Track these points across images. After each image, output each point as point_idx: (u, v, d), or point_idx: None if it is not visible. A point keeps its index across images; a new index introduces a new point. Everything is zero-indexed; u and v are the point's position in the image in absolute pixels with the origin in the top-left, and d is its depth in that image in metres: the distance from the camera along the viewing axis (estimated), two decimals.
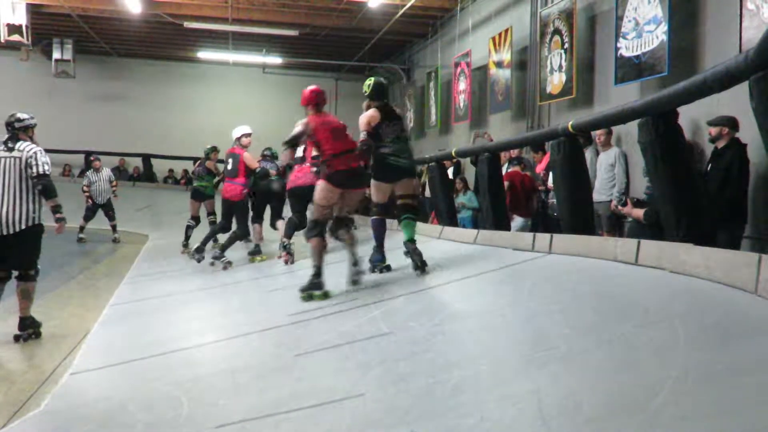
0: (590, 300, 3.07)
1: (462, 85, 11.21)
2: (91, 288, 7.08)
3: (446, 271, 4.61)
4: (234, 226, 7.45)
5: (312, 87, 5.07)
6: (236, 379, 3.21)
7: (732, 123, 4.71)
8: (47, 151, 5.06)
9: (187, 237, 9.06)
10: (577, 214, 4.72)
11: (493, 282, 3.98)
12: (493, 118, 10.25)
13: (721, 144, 4.75)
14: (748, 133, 4.26)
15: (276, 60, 15.87)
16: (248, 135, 7.49)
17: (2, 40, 12.49)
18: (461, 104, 11.30)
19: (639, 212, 4.63)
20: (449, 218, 7.00)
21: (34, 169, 4.83)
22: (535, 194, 7.35)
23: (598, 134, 6.39)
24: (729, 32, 5.34)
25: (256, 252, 7.54)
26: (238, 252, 7.63)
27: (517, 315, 3.23)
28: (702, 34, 5.96)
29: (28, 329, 4.83)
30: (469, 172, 9.02)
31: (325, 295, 4.52)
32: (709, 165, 4.81)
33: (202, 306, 5.53)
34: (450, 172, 8.72)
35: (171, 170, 17.50)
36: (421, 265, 4.64)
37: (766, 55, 2.73)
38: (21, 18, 12.39)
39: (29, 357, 4.53)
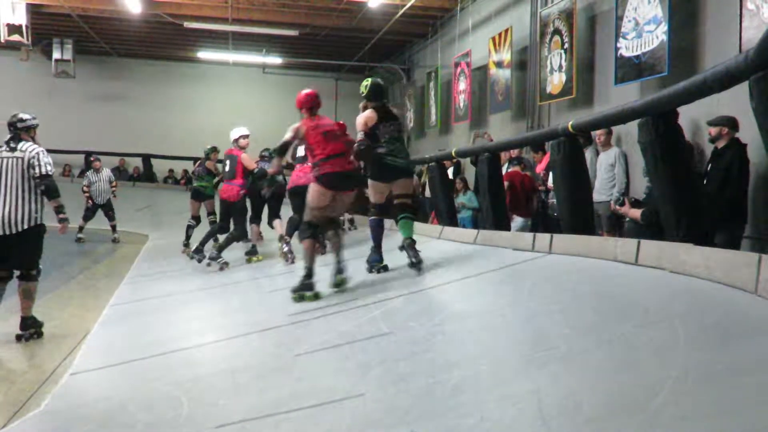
0: (590, 300, 3.07)
1: (462, 85, 11.21)
2: (91, 288, 7.08)
3: (446, 271, 4.61)
4: (232, 227, 7.45)
5: (307, 90, 5.12)
6: (236, 379, 3.21)
7: (732, 123, 4.71)
8: (47, 151, 5.07)
9: (188, 237, 9.06)
10: (577, 214, 4.72)
11: (493, 282, 3.98)
12: (493, 118, 10.25)
13: (721, 144, 4.74)
14: (748, 133, 4.26)
15: (276, 60, 15.88)
16: (246, 136, 7.52)
17: (2, 40, 12.49)
18: (461, 104, 11.30)
19: (636, 212, 4.63)
20: (449, 218, 7.00)
21: (37, 170, 4.84)
22: (535, 194, 7.35)
23: (598, 134, 6.39)
24: (729, 32, 5.34)
25: (252, 252, 7.55)
26: (236, 252, 7.63)
27: (517, 315, 3.23)
28: (702, 34, 5.96)
29: (30, 329, 4.84)
30: (469, 172, 9.02)
31: (316, 296, 4.56)
32: (709, 165, 4.81)
33: (202, 306, 5.53)
34: (450, 172, 8.71)
35: (171, 170, 17.51)
36: (416, 263, 4.67)
37: (766, 55, 2.73)
38: (21, 18, 12.40)
39: (29, 357, 4.54)
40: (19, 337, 4.78)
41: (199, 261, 7.43)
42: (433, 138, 13.27)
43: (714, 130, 4.80)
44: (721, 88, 3.22)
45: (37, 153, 4.88)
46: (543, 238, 4.25)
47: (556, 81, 7.98)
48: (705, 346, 2.17)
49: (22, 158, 4.85)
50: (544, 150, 7.11)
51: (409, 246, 4.74)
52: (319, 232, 4.83)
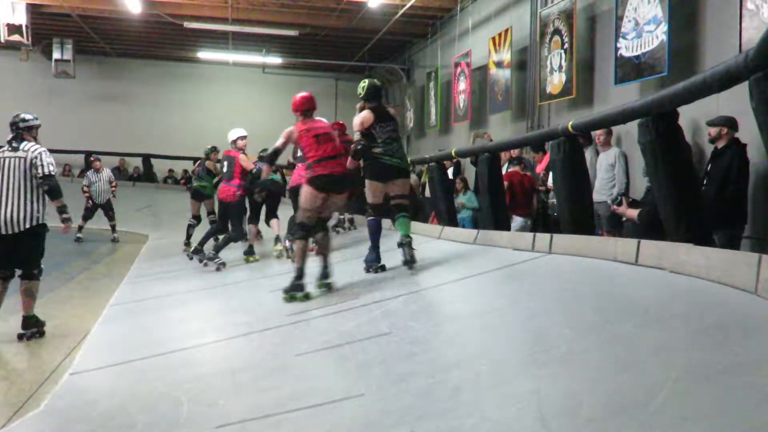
0: (590, 300, 3.07)
1: (462, 85, 11.21)
2: (91, 288, 7.08)
3: (446, 271, 4.61)
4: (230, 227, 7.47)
5: (302, 94, 5.22)
6: (236, 379, 3.21)
7: (731, 123, 4.71)
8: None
9: (189, 236, 9.11)
10: (577, 214, 4.72)
11: (493, 282, 3.98)
12: (493, 118, 10.25)
13: (720, 144, 4.74)
14: (748, 133, 4.26)
15: (276, 60, 15.89)
16: (244, 137, 7.58)
17: (2, 40, 12.50)
18: (461, 104, 11.30)
19: (633, 212, 4.63)
20: (449, 218, 7.00)
21: (40, 170, 4.87)
22: (535, 194, 7.35)
23: (597, 134, 6.39)
24: (729, 32, 5.34)
25: (249, 252, 7.58)
26: (235, 252, 7.64)
27: (517, 315, 3.23)
28: (702, 34, 5.96)
29: (32, 328, 4.85)
30: (469, 172, 9.02)
31: (306, 297, 4.61)
32: (709, 165, 4.81)
33: (202, 306, 5.53)
34: (450, 172, 8.71)
35: (171, 170, 17.52)
36: (410, 260, 4.78)
37: (766, 55, 2.73)
38: (21, 18, 12.39)
39: (29, 357, 4.54)
40: (21, 337, 4.78)
41: (200, 261, 7.44)
42: (433, 138, 13.27)
43: (714, 131, 4.80)
44: (721, 88, 3.22)
45: (40, 153, 4.90)
46: (543, 238, 4.25)
47: (555, 81, 7.98)
48: (705, 346, 2.17)
49: (25, 158, 4.86)
50: (544, 150, 7.11)
51: (406, 244, 4.82)
52: (313, 232, 4.88)
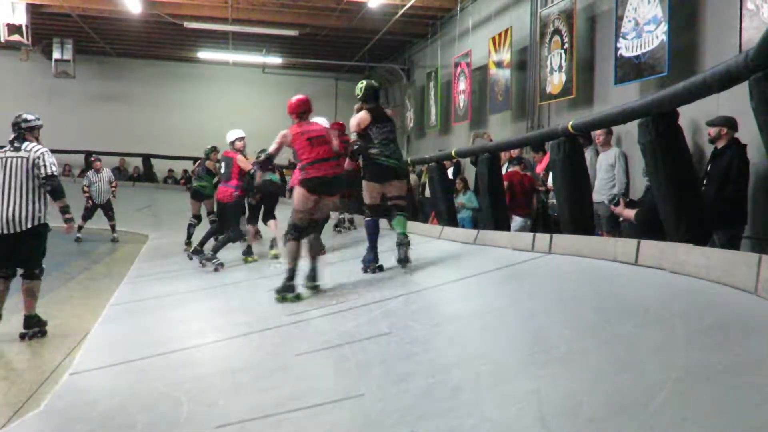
0: (590, 300, 3.07)
1: (462, 85, 11.21)
2: (91, 288, 7.08)
3: (446, 271, 4.61)
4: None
5: (298, 96, 5.26)
6: (236, 379, 3.21)
7: (731, 123, 4.71)
8: None
9: (189, 235, 9.14)
10: (577, 214, 4.72)
11: (493, 282, 3.98)
12: (493, 118, 10.25)
13: (720, 144, 4.74)
14: (748, 133, 4.26)
15: (276, 60, 15.89)
16: (242, 139, 7.62)
17: (2, 40, 12.50)
18: (461, 104, 11.30)
19: (630, 212, 4.63)
20: (449, 218, 7.00)
21: (43, 170, 4.88)
22: (535, 194, 7.35)
23: (597, 134, 6.39)
24: (729, 32, 5.34)
25: (248, 252, 7.61)
26: (233, 252, 7.65)
27: (517, 315, 3.23)
28: (702, 34, 5.96)
29: (34, 328, 4.86)
30: (469, 172, 9.03)
31: (297, 297, 4.66)
32: (709, 165, 4.81)
33: (202, 306, 5.53)
34: (450, 172, 8.72)
35: (171, 170, 17.52)
36: (404, 259, 4.87)
37: (766, 55, 2.73)
38: (21, 18, 12.39)
39: (29, 357, 4.54)
40: (23, 336, 4.80)
41: (200, 262, 7.46)
42: (433, 138, 13.27)
43: (713, 131, 4.80)
44: (721, 88, 3.22)
45: (42, 153, 4.92)
46: (543, 238, 4.25)
47: (555, 81, 7.98)
48: (705, 346, 2.17)
49: (27, 158, 4.88)
50: (544, 150, 7.11)
51: (404, 244, 4.90)
52: (304, 234, 4.95)
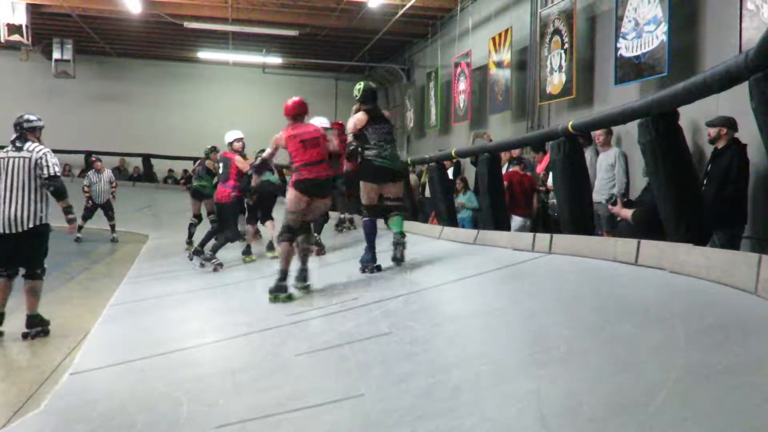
0: (590, 300, 3.07)
1: (462, 85, 11.22)
2: (91, 288, 7.08)
3: (446, 271, 4.61)
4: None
5: (294, 99, 5.31)
6: (236, 379, 3.21)
7: (730, 123, 4.71)
8: None
9: (191, 235, 9.19)
10: (577, 214, 4.72)
11: (493, 282, 3.98)
12: (493, 118, 10.25)
13: (720, 144, 4.74)
14: (748, 133, 4.26)
15: (276, 60, 15.89)
16: (240, 139, 7.66)
17: (2, 40, 12.50)
18: (461, 104, 11.31)
19: (627, 212, 4.63)
20: (449, 218, 7.00)
21: (45, 171, 4.91)
22: (535, 194, 7.35)
23: (597, 134, 6.39)
24: (729, 32, 5.34)
25: (247, 252, 7.63)
26: (232, 252, 7.66)
27: (517, 315, 3.23)
28: (702, 34, 5.96)
29: (36, 327, 4.88)
30: (469, 172, 9.02)
31: (289, 298, 4.72)
32: (709, 165, 4.81)
33: (202, 306, 5.53)
34: (450, 172, 8.72)
35: (171, 170, 17.52)
36: (399, 258, 4.98)
37: (766, 55, 2.73)
38: (21, 18, 12.39)
39: (29, 357, 4.54)
40: (25, 335, 4.82)
41: (200, 263, 7.48)
42: (433, 138, 13.27)
43: (713, 131, 4.80)
44: (721, 88, 3.22)
45: (45, 154, 4.94)
46: (543, 238, 4.25)
47: (555, 81, 7.98)
48: (705, 346, 2.17)
49: (29, 158, 4.90)
50: (544, 150, 7.11)
51: (401, 244, 5.01)
52: (296, 235, 5.01)
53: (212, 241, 7.80)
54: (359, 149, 5.11)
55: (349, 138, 5.22)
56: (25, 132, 5.00)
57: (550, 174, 6.11)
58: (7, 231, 4.81)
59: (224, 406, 2.84)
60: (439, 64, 12.53)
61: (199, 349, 3.92)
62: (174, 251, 9.10)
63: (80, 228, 11.15)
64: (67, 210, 5.16)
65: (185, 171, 16.55)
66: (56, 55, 15.21)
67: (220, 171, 7.55)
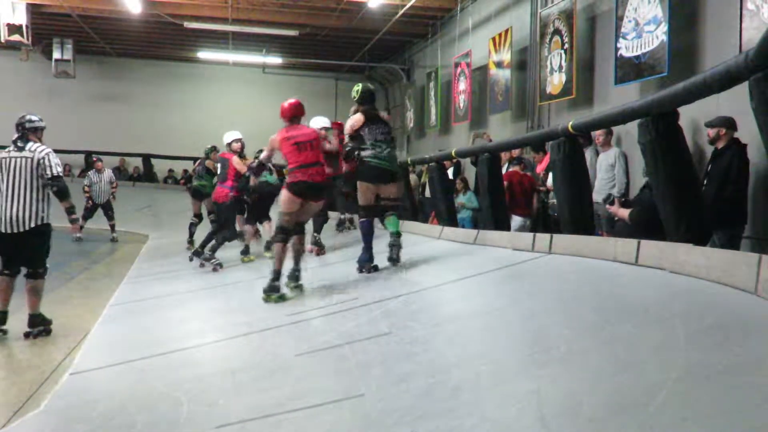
0: (590, 300, 3.07)
1: (462, 85, 11.21)
2: (91, 288, 7.08)
3: (446, 271, 4.61)
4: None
5: (291, 101, 5.35)
6: (236, 379, 3.21)
7: (729, 123, 4.71)
8: None
9: (191, 234, 9.22)
10: (577, 214, 4.72)
11: (493, 282, 3.98)
12: (493, 118, 10.25)
13: (720, 144, 4.74)
14: (748, 133, 4.26)
15: (276, 60, 15.89)
16: (238, 140, 7.69)
17: (2, 40, 12.50)
18: (461, 104, 11.30)
19: (624, 212, 4.63)
20: (449, 218, 7.00)
21: (48, 171, 4.93)
22: (535, 194, 7.35)
23: (597, 134, 6.39)
24: (729, 32, 5.34)
25: (245, 252, 7.66)
26: (231, 252, 7.66)
27: (517, 315, 3.23)
28: (702, 34, 5.96)
29: (38, 326, 4.90)
30: (469, 172, 9.02)
31: (281, 298, 4.77)
32: (709, 165, 4.81)
33: (202, 306, 5.53)
34: (450, 172, 8.72)
35: (171, 170, 17.52)
36: (396, 259, 5.03)
37: (766, 55, 2.72)
38: (21, 18, 12.39)
39: (29, 357, 4.54)
40: (27, 335, 4.83)
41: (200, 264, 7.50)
42: (433, 138, 13.27)
43: (712, 132, 4.79)
44: (721, 88, 3.22)
45: (47, 154, 4.96)
46: (543, 238, 4.25)
47: (555, 81, 7.98)
48: (705, 346, 2.17)
49: (31, 158, 4.92)
50: (544, 150, 7.11)
51: (394, 244, 5.05)
52: (290, 235, 5.06)
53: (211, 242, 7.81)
54: (355, 150, 5.17)
55: (346, 139, 5.29)
56: (27, 132, 5.02)
57: (550, 174, 6.11)
58: (8, 231, 4.83)
59: (224, 406, 2.84)
60: (439, 64, 12.53)
61: (199, 349, 3.92)
62: (174, 251, 9.11)
63: (81, 228, 11.17)
64: (70, 210, 5.19)
65: (185, 171, 16.55)
66: (56, 55, 15.20)
67: (219, 171, 7.59)
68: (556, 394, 2.17)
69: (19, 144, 4.96)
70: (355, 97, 5.36)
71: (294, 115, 5.23)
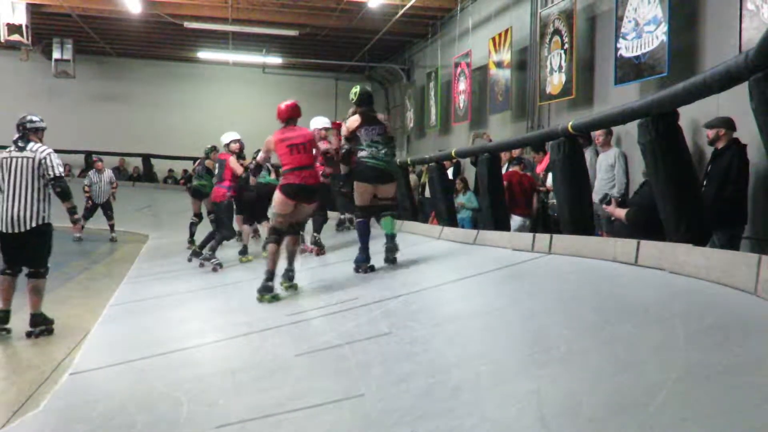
0: (590, 300, 3.07)
1: (462, 85, 11.21)
2: (91, 288, 7.08)
3: (446, 271, 4.61)
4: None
5: (287, 102, 5.37)
6: (236, 379, 3.21)
7: (728, 124, 4.71)
8: None
9: (192, 234, 9.26)
10: (576, 214, 4.72)
11: (493, 282, 3.98)
12: (492, 118, 10.25)
13: (720, 145, 4.74)
14: (748, 133, 4.26)
15: (276, 60, 15.89)
16: (236, 141, 7.72)
17: (2, 40, 12.50)
18: (461, 104, 11.31)
19: (621, 212, 4.63)
20: (449, 218, 7.00)
21: (50, 171, 4.95)
22: (535, 194, 7.35)
23: (597, 134, 6.39)
24: (729, 32, 5.34)
25: (243, 252, 7.68)
26: (230, 252, 7.66)
27: (517, 315, 3.23)
28: (702, 34, 5.96)
29: (40, 326, 4.90)
30: (469, 172, 9.02)
31: (274, 298, 4.81)
32: (709, 166, 4.81)
33: (202, 306, 5.53)
34: (450, 172, 8.71)
35: (171, 170, 17.52)
36: (392, 260, 5.08)
37: (766, 55, 2.73)
38: (21, 18, 12.39)
39: (29, 357, 4.54)
40: (29, 334, 4.83)
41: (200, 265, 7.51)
42: (433, 138, 13.27)
43: (711, 133, 4.79)
44: (721, 89, 3.22)
45: (48, 154, 4.98)
46: (543, 238, 4.25)
47: (555, 81, 7.98)
48: (705, 346, 2.17)
49: (33, 158, 4.93)
50: (544, 150, 7.12)
51: (390, 248, 5.09)
52: (284, 235, 5.10)
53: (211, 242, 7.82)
54: (351, 150, 5.22)
55: (343, 140, 5.34)
56: (28, 132, 5.04)
57: (550, 174, 6.11)
58: (10, 230, 4.84)
59: (224, 406, 2.84)
60: (439, 64, 12.53)
61: (199, 349, 3.92)
62: (174, 251, 9.11)
63: (81, 228, 11.18)
64: (72, 210, 5.23)
65: (185, 171, 16.55)
66: (56, 55, 15.20)
67: (216, 171, 7.63)
68: (556, 394, 2.17)
69: (20, 144, 4.98)
70: (353, 99, 5.39)
71: (290, 116, 5.25)
